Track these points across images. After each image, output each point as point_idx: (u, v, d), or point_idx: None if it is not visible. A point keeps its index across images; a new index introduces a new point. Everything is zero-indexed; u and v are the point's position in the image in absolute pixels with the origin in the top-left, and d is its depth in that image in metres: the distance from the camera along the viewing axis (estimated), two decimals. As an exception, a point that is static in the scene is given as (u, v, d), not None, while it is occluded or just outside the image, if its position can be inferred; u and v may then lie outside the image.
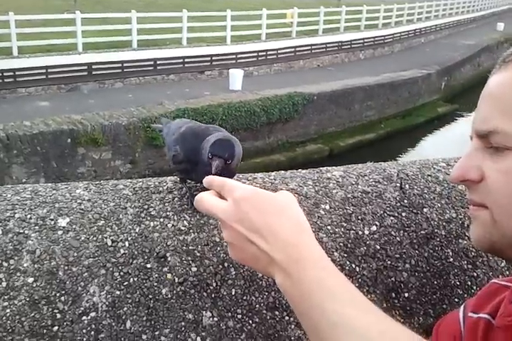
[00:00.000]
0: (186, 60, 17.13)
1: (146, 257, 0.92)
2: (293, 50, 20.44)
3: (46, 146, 10.97)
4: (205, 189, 0.77)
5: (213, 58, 17.83)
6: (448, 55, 23.87)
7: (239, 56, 18.55)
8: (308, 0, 32.34)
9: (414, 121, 19.17)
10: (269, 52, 19.56)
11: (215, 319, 0.91)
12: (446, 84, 22.39)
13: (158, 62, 16.54)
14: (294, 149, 15.47)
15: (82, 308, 0.87)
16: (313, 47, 21.30)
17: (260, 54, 19.28)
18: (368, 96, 17.61)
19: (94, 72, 15.34)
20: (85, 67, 15.18)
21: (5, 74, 13.85)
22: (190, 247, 0.95)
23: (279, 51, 19.88)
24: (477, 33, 32.65)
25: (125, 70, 15.91)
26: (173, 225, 0.97)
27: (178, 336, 0.89)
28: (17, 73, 14.05)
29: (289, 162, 14.72)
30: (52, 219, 0.93)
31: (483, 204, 0.67)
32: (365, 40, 24.04)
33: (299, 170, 1.20)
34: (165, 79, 16.67)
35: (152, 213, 0.98)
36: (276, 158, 14.77)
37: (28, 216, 0.93)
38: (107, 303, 0.88)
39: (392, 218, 1.08)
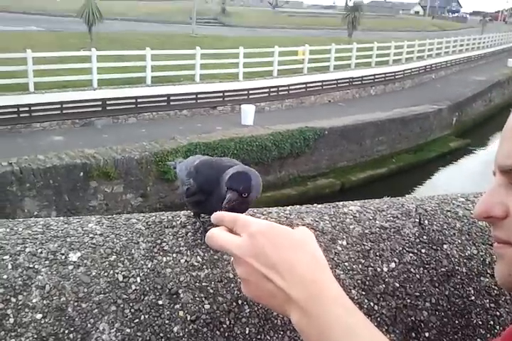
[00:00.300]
0: (199, 95, 17.35)
1: (157, 293, 0.90)
2: (304, 86, 20.67)
3: (59, 180, 11.05)
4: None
5: (225, 94, 18.06)
6: (459, 91, 24.01)
7: (251, 92, 18.77)
8: (319, 37, 33.00)
9: (426, 156, 19.14)
10: (280, 88, 19.79)
11: (229, 359, 0.88)
12: (458, 120, 22.44)
13: (171, 98, 16.76)
14: (305, 183, 15.44)
15: (91, 347, 0.84)
16: (324, 83, 21.53)
17: (272, 90, 19.50)
18: (379, 131, 17.67)
19: (108, 108, 15.56)
20: (99, 103, 15.41)
21: (21, 109, 14.08)
22: (204, 283, 0.92)
23: (290, 87, 20.11)
24: (488, 69, 32.91)
25: (139, 106, 16.13)
26: (186, 261, 0.95)
27: (190, 377, 0.86)
28: (32, 108, 14.29)
29: (300, 196, 14.68)
30: (63, 254, 0.91)
31: (509, 242, 0.65)
32: (376, 76, 24.28)
33: (315, 204, 1.18)
34: (178, 114, 16.86)
35: (165, 248, 0.96)
36: (287, 193, 14.74)
37: (39, 250, 0.92)
38: (116, 342, 0.85)
39: (411, 255, 1.05)
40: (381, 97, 23.05)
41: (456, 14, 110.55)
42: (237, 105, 17.54)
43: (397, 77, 25.66)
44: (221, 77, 18.73)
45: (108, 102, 15.53)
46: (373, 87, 23.98)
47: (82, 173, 11.32)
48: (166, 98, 16.67)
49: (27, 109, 14.20)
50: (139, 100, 16.10)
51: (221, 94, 17.97)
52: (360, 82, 23.26)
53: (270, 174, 14.70)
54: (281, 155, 14.60)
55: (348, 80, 22.66)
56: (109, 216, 1.05)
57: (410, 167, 17.98)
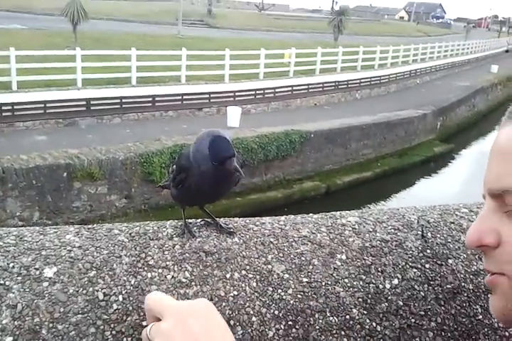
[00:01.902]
0: (185, 97, 17.23)
1: (142, 314, 0.81)
2: (290, 89, 20.65)
3: (42, 180, 10.86)
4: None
5: (211, 96, 17.96)
6: (443, 96, 24.15)
7: (237, 94, 18.70)
8: (305, 41, 33.05)
9: (411, 160, 19.21)
10: (266, 91, 19.74)
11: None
12: (442, 124, 22.57)
13: (156, 99, 16.63)
14: (291, 186, 15.39)
15: (66, 374, 0.76)
16: (310, 86, 21.54)
17: (258, 92, 19.45)
18: (365, 135, 17.69)
19: (92, 108, 15.38)
20: (84, 103, 15.22)
21: (3, 108, 13.86)
22: (192, 302, 0.84)
23: (276, 90, 20.08)
24: (472, 74, 33.18)
25: (124, 106, 15.96)
26: (173, 277, 0.87)
27: None
28: (15, 107, 14.07)
29: (286, 199, 14.65)
30: (37, 269, 0.83)
31: (501, 273, 0.61)
32: (362, 81, 24.36)
33: (311, 214, 1.10)
34: (163, 115, 16.72)
35: (150, 263, 0.88)
36: (272, 195, 14.68)
37: (11, 264, 0.83)
38: (95, 368, 0.77)
39: (415, 270, 0.98)
40: (366, 101, 23.10)
41: (440, 20, 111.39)
42: (223, 107, 17.45)
43: (382, 81, 25.76)
44: (207, 79, 18.63)
45: (92, 102, 15.35)
46: (359, 91, 24.04)
47: (65, 174, 11.14)
48: (151, 99, 16.53)
49: (10, 108, 13.98)
50: (123, 100, 15.93)
51: (207, 96, 17.87)
52: (345, 86, 23.30)
53: (256, 176, 14.63)
54: (267, 158, 14.54)
55: (333, 84, 22.68)
56: (89, 226, 0.97)
57: (395, 171, 18.03)
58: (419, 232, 1.05)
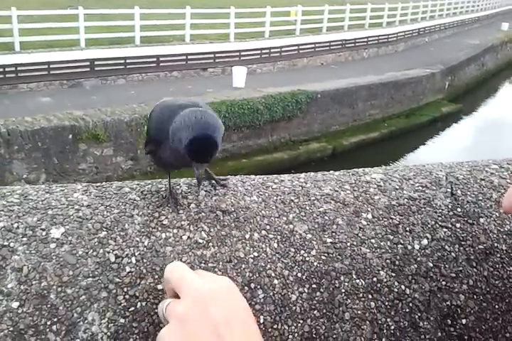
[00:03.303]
0: (189, 56, 16.96)
1: (156, 276, 0.76)
2: (296, 48, 20.27)
3: (47, 142, 10.82)
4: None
5: (216, 55, 17.67)
6: (452, 55, 23.69)
7: (242, 53, 18.38)
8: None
9: (419, 120, 18.99)
10: (272, 50, 19.39)
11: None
12: (450, 84, 22.21)
13: (161, 59, 16.38)
14: (296, 147, 15.30)
15: (78, 340, 0.71)
16: (316, 45, 21.13)
17: (264, 51, 19.11)
18: (372, 95, 17.44)
19: (96, 68, 15.18)
20: (88, 63, 15.02)
21: (6, 69, 13.69)
22: (210, 264, 0.79)
23: (282, 49, 19.71)
24: (481, 32, 32.46)
25: (128, 67, 15.75)
26: (189, 237, 0.81)
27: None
28: (19, 69, 13.90)
29: (292, 160, 14.58)
30: (43, 229, 0.77)
31: None
32: (369, 39, 23.86)
33: (331, 171, 1.04)
34: (168, 76, 16.50)
35: (164, 222, 0.82)
36: (279, 156, 14.61)
37: (15, 225, 0.77)
38: (108, 334, 0.72)
39: (445, 230, 0.92)
40: (374, 60, 22.70)
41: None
42: (228, 67, 17.19)
43: (390, 39, 25.24)
44: (212, 38, 18.30)
45: (96, 63, 15.14)
46: (366, 50, 23.60)
47: (71, 136, 11.08)
48: (155, 59, 16.28)
49: (13, 69, 13.82)
50: (127, 61, 15.71)
51: (212, 56, 17.59)
52: (353, 45, 22.87)
53: (262, 138, 14.53)
54: (273, 119, 14.39)
55: (340, 42, 22.25)
56: (98, 184, 0.91)
57: (402, 131, 17.85)
58: (448, 190, 0.99)
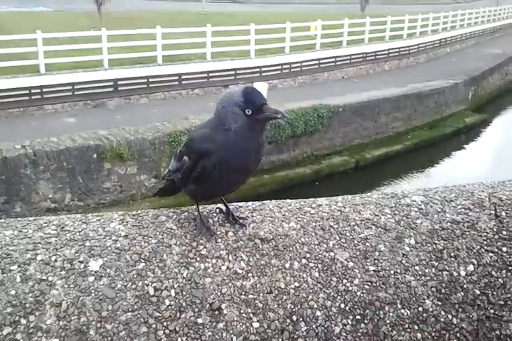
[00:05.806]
0: (211, 74, 17.11)
1: (196, 310, 0.74)
2: (317, 62, 20.31)
3: (72, 162, 10.96)
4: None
5: (237, 72, 17.79)
6: (475, 65, 23.50)
7: (263, 69, 18.47)
8: (331, 12, 32.39)
9: (442, 132, 18.80)
10: (293, 65, 19.45)
11: (284, 387, 0.73)
12: (474, 94, 21.98)
13: (183, 77, 16.54)
14: (319, 162, 15.26)
15: (119, 377, 0.69)
16: (337, 59, 21.15)
17: (284, 67, 19.18)
18: (394, 107, 17.35)
19: (119, 88, 15.39)
20: (111, 83, 15.24)
21: (32, 91, 13.96)
22: (250, 296, 0.77)
23: (303, 64, 19.77)
24: (504, 41, 32.17)
25: (150, 85, 15.94)
26: (228, 267, 0.79)
27: None
28: (44, 90, 14.16)
29: (314, 175, 14.52)
30: (81, 262, 0.76)
31: None
32: (390, 51, 23.81)
33: (369, 194, 1.01)
34: (190, 93, 16.65)
35: (202, 252, 0.80)
36: (301, 171, 14.58)
37: (53, 258, 0.76)
38: (150, 370, 0.70)
39: (491, 254, 0.88)
40: (395, 72, 22.62)
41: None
42: (249, 83, 17.26)
43: (411, 51, 25.15)
44: (233, 55, 18.43)
45: (119, 82, 15.36)
46: (387, 62, 23.54)
47: (95, 155, 11.22)
48: (177, 77, 16.45)
49: (39, 90, 14.08)
50: (150, 80, 15.90)
51: (233, 72, 17.70)
52: (373, 57, 22.83)
53: (284, 153, 14.53)
54: (295, 134, 14.39)
55: (361, 55, 22.24)
56: (134, 212, 0.90)
57: (426, 143, 17.68)
58: (492, 211, 0.95)
